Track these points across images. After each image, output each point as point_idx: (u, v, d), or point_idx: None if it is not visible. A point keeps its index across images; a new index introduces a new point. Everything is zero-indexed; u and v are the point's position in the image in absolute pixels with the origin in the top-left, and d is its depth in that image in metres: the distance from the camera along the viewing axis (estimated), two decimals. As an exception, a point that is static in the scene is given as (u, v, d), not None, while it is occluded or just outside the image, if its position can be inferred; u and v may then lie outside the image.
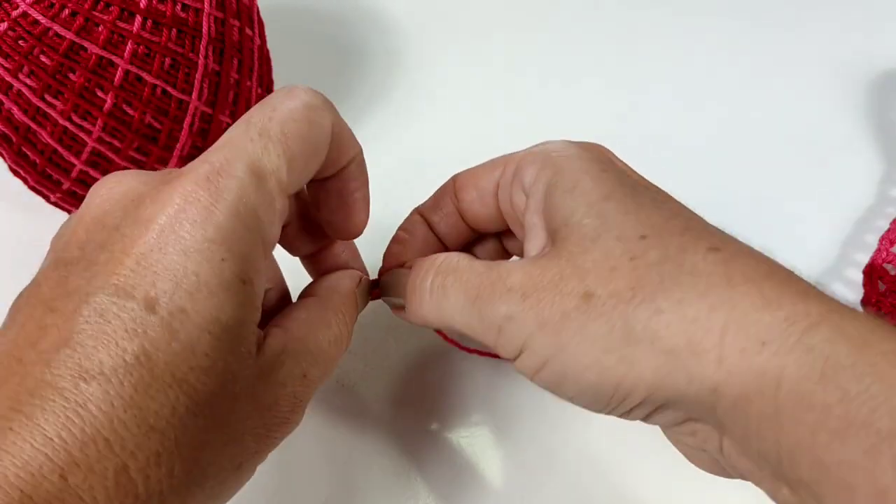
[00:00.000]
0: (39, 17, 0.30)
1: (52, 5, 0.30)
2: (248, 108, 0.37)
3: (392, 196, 0.40)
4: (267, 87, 0.39)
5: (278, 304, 0.27)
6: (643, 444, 0.31)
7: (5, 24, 0.30)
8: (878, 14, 0.49)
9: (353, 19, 0.50)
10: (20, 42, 0.30)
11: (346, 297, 0.26)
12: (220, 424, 0.19)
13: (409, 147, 0.42)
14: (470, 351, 0.32)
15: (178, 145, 0.33)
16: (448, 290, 0.24)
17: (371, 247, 0.38)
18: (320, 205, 0.26)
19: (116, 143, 0.32)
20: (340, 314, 0.24)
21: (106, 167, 0.33)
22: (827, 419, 0.17)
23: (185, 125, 0.33)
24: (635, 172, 0.25)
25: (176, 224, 0.19)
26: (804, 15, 0.50)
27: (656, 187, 0.25)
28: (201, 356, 0.18)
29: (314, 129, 0.22)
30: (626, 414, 0.22)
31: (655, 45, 0.48)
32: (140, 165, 0.33)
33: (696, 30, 0.49)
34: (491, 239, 0.30)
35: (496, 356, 0.31)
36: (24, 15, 0.30)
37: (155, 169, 0.34)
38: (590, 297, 0.21)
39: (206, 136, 0.34)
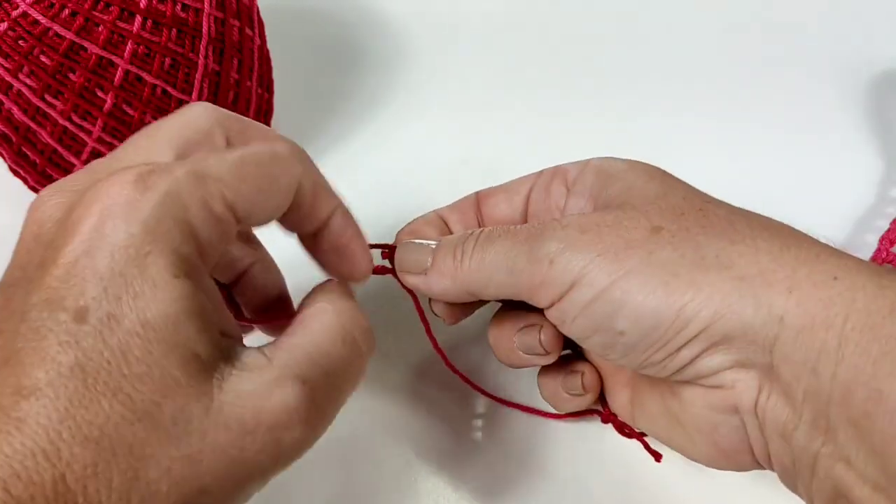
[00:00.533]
0: (39, 17, 0.30)
1: (52, 5, 0.30)
2: (248, 108, 0.37)
3: (391, 196, 0.40)
4: (267, 86, 0.39)
5: (269, 288, 0.27)
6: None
7: (5, 24, 0.30)
8: (878, 14, 0.49)
9: (353, 19, 0.50)
10: (20, 42, 0.30)
11: (339, 296, 0.23)
12: (168, 438, 0.17)
13: (408, 147, 0.42)
14: (462, 378, 0.31)
15: (178, 145, 0.34)
16: (495, 240, 0.24)
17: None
18: (319, 259, 0.25)
19: (116, 143, 0.32)
20: (339, 313, 0.22)
21: (106, 167, 0.33)
22: (893, 349, 0.18)
23: (185, 125, 0.33)
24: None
25: (101, 224, 0.18)
26: (804, 15, 0.49)
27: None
28: (134, 362, 0.17)
29: (278, 159, 0.21)
30: (675, 353, 0.21)
31: (656, 48, 0.48)
32: (140, 165, 0.33)
33: (695, 32, 0.49)
34: None
35: (482, 391, 0.31)
36: (24, 15, 0.30)
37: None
38: (658, 230, 0.22)
39: (206, 136, 0.34)
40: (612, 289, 0.21)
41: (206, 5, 0.33)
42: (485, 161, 0.41)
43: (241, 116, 0.24)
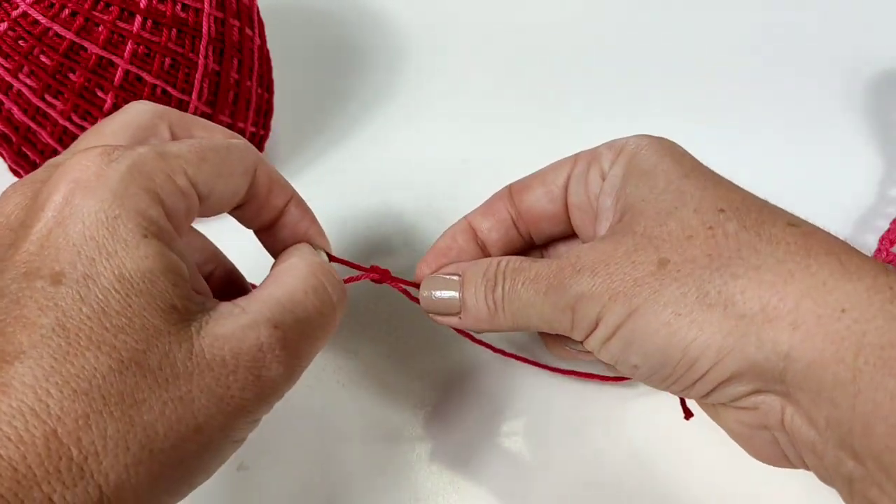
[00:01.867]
0: (39, 17, 0.30)
1: (52, 5, 0.30)
2: (248, 108, 0.37)
3: (392, 195, 0.40)
4: (267, 86, 0.39)
5: (228, 286, 0.27)
6: (648, 441, 0.31)
7: (5, 24, 0.30)
8: (878, 14, 0.49)
9: (353, 19, 0.50)
10: (20, 42, 0.30)
11: (311, 253, 0.25)
12: (157, 383, 0.18)
13: (408, 147, 0.42)
14: (482, 344, 0.32)
15: (178, 145, 0.34)
16: (520, 291, 0.24)
17: (372, 247, 0.38)
18: (278, 251, 0.26)
19: (116, 143, 0.32)
20: (310, 265, 0.24)
21: (106, 167, 0.33)
22: None
23: (185, 125, 0.33)
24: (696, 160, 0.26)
25: (70, 196, 0.19)
26: (804, 15, 0.50)
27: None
28: (114, 315, 0.18)
29: (234, 147, 0.23)
30: (690, 388, 0.22)
31: (656, 45, 0.48)
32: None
33: (695, 30, 0.49)
34: (535, 251, 0.30)
35: (500, 351, 0.31)
36: (24, 15, 0.30)
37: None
38: (664, 264, 0.22)
39: (206, 136, 0.34)
40: (623, 329, 0.22)
41: (206, 5, 0.33)
42: (485, 160, 0.41)
43: (181, 111, 0.25)
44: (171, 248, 0.20)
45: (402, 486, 0.30)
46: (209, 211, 0.23)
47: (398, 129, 0.43)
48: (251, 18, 0.36)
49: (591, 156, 0.27)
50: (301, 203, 0.26)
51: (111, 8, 0.30)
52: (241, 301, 0.21)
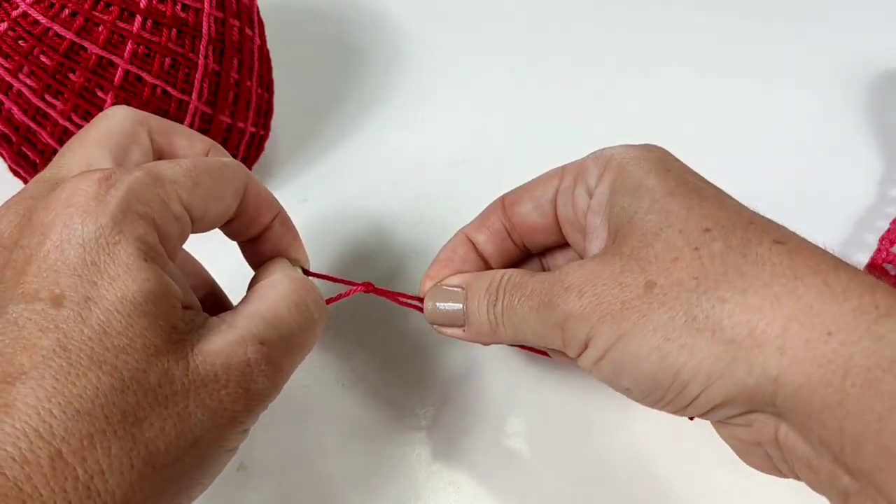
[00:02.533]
0: (39, 17, 0.30)
1: (52, 5, 0.30)
2: (248, 108, 0.37)
3: (391, 196, 0.40)
4: (267, 86, 0.39)
5: (211, 303, 0.28)
6: (647, 436, 0.31)
7: (5, 24, 0.30)
8: (878, 14, 0.49)
9: (353, 19, 0.50)
10: (20, 42, 0.30)
11: (291, 270, 0.26)
12: (157, 400, 0.19)
13: (408, 147, 0.42)
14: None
15: (178, 145, 0.34)
16: (516, 307, 0.25)
17: (370, 249, 0.38)
18: (260, 263, 0.27)
19: (116, 143, 0.32)
20: (293, 281, 0.24)
21: (106, 167, 0.33)
22: None
23: (185, 125, 0.33)
24: (696, 173, 0.25)
25: (69, 220, 0.20)
26: (804, 15, 0.50)
27: (717, 187, 0.25)
28: (115, 335, 0.19)
29: (226, 168, 0.24)
30: (683, 409, 0.22)
31: (655, 46, 0.48)
32: (140, 165, 0.33)
33: (695, 30, 0.49)
34: (534, 259, 0.31)
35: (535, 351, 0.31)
36: (24, 15, 0.30)
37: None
38: (651, 287, 0.22)
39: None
40: (612, 352, 0.22)
41: (206, 5, 0.33)
42: (485, 160, 0.41)
43: (161, 117, 0.26)
44: (166, 270, 0.21)
45: (402, 486, 0.30)
46: (201, 230, 0.24)
47: (397, 130, 0.43)
48: (251, 18, 0.36)
49: (578, 170, 0.27)
50: (286, 220, 0.27)
51: (111, 8, 0.30)
52: (227, 316, 0.22)
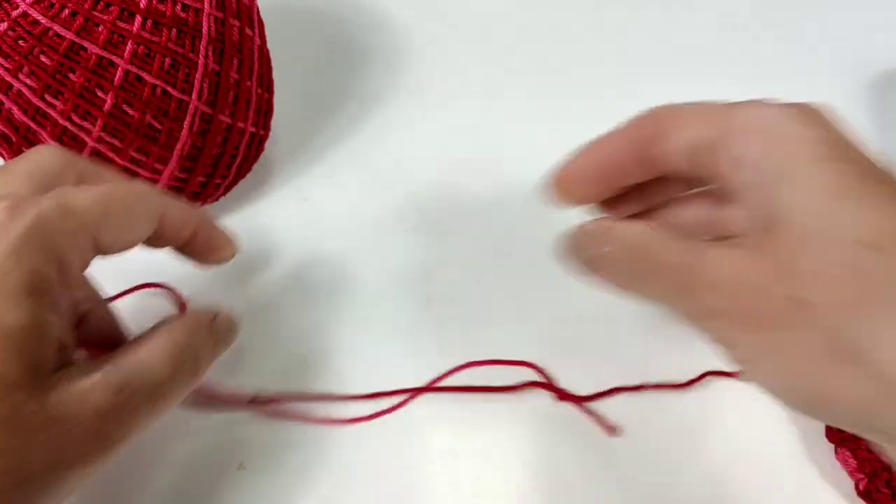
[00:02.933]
0: (39, 17, 0.30)
1: (52, 5, 0.30)
2: (248, 108, 0.37)
3: (391, 196, 0.40)
4: (267, 86, 0.39)
5: (103, 330, 0.28)
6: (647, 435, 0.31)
7: (5, 24, 0.30)
8: (878, 14, 0.49)
9: (353, 19, 0.50)
10: (20, 42, 0.30)
11: (180, 319, 0.26)
12: (7, 429, 0.20)
13: (408, 147, 0.42)
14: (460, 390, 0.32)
15: (178, 145, 0.33)
16: (649, 278, 0.22)
17: (371, 246, 0.38)
18: (189, 258, 0.28)
19: (116, 143, 0.32)
20: (177, 341, 0.25)
21: (106, 167, 0.33)
22: None
23: (185, 125, 0.33)
24: (875, 159, 0.23)
25: None
26: (804, 15, 0.50)
27: (893, 176, 0.22)
28: None
29: (140, 196, 0.24)
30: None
31: (655, 46, 0.48)
32: (140, 165, 0.33)
33: (695, 30, 0.49)
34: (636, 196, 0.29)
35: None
36: (24, 15, 0.30)
37: (155, 168, 0.34)
38: (801, 304, 0.20)
39: (205, 136, 0.34)
40: (755, 362, 0.21)
41: (206, 5, 0.33)
42: (485, 160, 0.41)
43: (93, 162, 0.27)
44: (53, 303, 0.21)
45: (402, 486, 0.30)
46: (111, 254, 0.24)
47: (398, 129, 0.43)
48: (251, 18, 0.36)
49: (725, 131, 0.23)
50: (206, 224, 0.28)
51: (111, 8, 0.30)
52: (98, 361, 0.23)
